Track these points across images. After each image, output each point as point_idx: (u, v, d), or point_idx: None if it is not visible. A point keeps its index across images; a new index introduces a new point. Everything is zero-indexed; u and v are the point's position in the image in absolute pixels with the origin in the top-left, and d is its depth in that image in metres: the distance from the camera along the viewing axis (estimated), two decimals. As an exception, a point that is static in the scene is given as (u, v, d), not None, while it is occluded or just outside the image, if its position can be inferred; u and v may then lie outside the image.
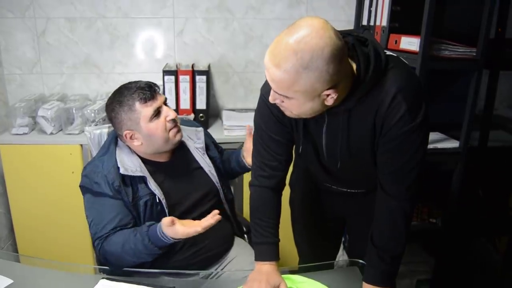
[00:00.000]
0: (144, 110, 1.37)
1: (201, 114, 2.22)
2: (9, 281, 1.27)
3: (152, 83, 1.42)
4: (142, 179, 1.38)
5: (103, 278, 1.25)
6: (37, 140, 2.11)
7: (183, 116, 2.06)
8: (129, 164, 1.39)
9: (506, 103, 2.14)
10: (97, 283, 1.23)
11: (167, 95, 2.18)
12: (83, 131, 2.12)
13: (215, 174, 1.55)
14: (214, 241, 1.47)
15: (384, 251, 1.15)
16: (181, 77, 2.18)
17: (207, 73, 2.22)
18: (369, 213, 1.22)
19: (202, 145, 1.57)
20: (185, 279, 1.36)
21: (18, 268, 1.44)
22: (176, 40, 2.41)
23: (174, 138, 1.43)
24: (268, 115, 1.21)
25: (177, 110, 2.21)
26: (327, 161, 1.24)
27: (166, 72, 2.18)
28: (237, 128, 2.17)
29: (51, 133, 2.13)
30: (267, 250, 1.24)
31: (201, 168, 1.54)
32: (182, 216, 1.38)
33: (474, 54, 1.73)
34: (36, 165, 1.96)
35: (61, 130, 2.18)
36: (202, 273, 1.41)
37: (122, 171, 1.35)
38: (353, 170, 1.27)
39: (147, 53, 2.42)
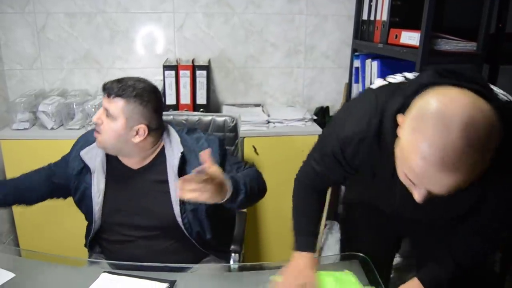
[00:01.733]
0: None
1: (201, 109, 2.22)
2: (11, 275, 1.27)
3: (118, 89, 1.29)
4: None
5: (104, 272, 1.26)
6: (38, 135, 2.11)
7: (198, 113, 1.88)
8: (93, 151, 1.40)
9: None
10: (98, 277, 1.23)
11: (167, 90, 2.18)
12: (83, 126, 2.13)
13: (176, 205, 1.37)
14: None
15: (462, 267, 1.14)
16: (181, 72, 2.18)
17: (207, 68, 2.22)
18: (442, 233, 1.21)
19: (176, 162, 1.36)
20: (186, 273, 1.36)
21: (20, 262, 1.45)
22: (176, 35, 2.40)
23: (96, 140, 1.37)
24: (334, 161, 1.11)
25: (177, 105, 2.21)
26: (397, 206, 1.14)
27: (166, 67, 2.18)
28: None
29: (52, 128, 2.13)
30: (306, 241, 1.26)
31: (168, 191, 1.38)
32: (112, 228, 1.43)
33: (475, 48, 1.73)
34: (37, 160, 1.94)
35: (61, 125, 2.18)
36: (204, 266, 1.42)
37: (82, 152, 1.40)
38: (430, 217, 1.18)
39: (147, 48, 2.42)
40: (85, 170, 1.41)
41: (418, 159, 0.79)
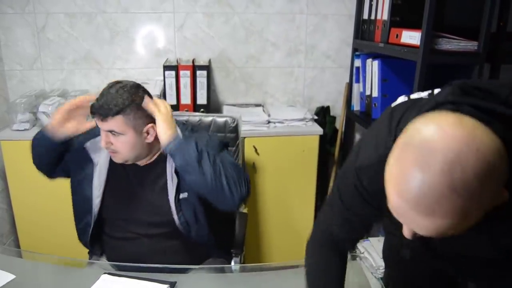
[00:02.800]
0: None
1: (202, 109, 2.22)
2: (12, 277, 1.27)
3: (109, 107, 1.25)
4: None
5: (104, 273, 1.26)
6: (38, 136, 2.10)
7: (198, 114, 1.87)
8: (98, 144, 1.38)
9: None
10: (98, 278, 1.23)
11: (167, 90, 2.18)
12: (84, 127, 2.12)
13: (173, 203, 1.37)
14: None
15: None
16: (181, 72, 2.17)
17: (207, 68, 2.21)
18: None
19: (173, 162, 1.34)
20: (187, 274, 1.36)
21: (20, 264, 1.44)
22: (176, 35, 2.40)
23: (112, 156, 1.37)
24: (356, 195, 0.94)
25: (177, 105, 2.20)
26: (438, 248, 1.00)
27: (166, 67, 2.18)
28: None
29: (52, 129, 2.12)
30: None
31: (165, 188, 1.38)
32: (114, 222, 1.42)
33: (476, 47, 1.72)
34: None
35: (62, 126, 2.17)
36: (204, 267, 1.41)
37: (87, 145, 1.40)
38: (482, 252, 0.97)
39: (147, 48, 2.42)
40: (88, 160, 1.41)
41: (394, 194, 0.69)
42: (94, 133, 1.40)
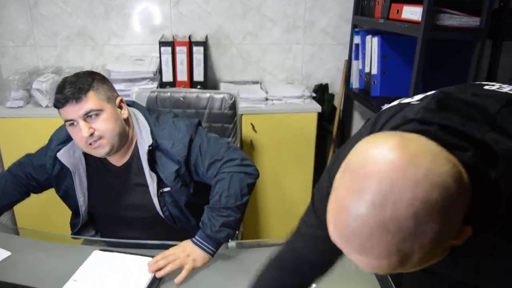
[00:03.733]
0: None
1: (198, 86, 2.19)
2: (7, 254, 1.27)
3: (78, 88, 1.20)
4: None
5: (96, 250, 1.26)
6: (33, 113, 2.08)
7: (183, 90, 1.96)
8: (70, 151, 1.34)
9: (508, 75, 2.10)
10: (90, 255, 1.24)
11: (163, 67, 2.15)
12: (79, 104, 2.09)
13: (155, 197, 1.34)
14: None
15: None
16: (177, 49, 2.14)
17: (204, 44, 2.17)
18: None
19: (145, 157, 1.31)
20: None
21: (16, 241, 1.45)
22: (172, 10, 2.35)
23: (93, 152, 1.28)
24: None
25: (174, 82, 2.17)
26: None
27: (162, 44, 2.14)
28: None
29: (47, 106, 2.09)
30: None
31: (146, 186, 1.34)
32: (101, 218, 1.43)
33: (478, 23, 1.69)
34: (33, 139, 1.92)
35: (56, 103, 2.14)
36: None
37: (59, 154, 1.33)
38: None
39: (143, 24, 2.37)
40: (64, 170, 1.36)
41: (330, 223, 0.60)
42: (60, 139, 1.36)
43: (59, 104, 1.21)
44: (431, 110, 0.64)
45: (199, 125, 1.40)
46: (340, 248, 0.60)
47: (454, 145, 0.58)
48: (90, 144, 1.24)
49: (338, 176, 0.60)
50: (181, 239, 1.26)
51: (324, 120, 2.46)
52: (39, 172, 1.41)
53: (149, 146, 1.30)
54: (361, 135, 0.76)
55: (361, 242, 0.55)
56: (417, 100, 0.74)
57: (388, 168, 0.54)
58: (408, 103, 0.76)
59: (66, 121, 1.24)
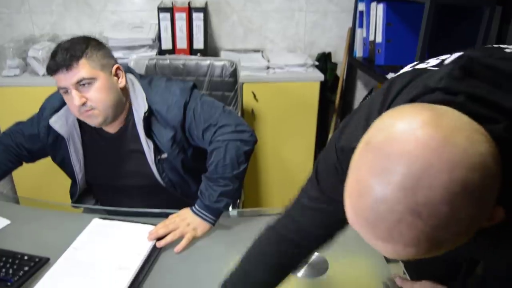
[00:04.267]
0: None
1: (198, 54, 2.14)
2: (7, 222, 1.26)
3: (70, 55, 1.14)
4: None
5: (95, 218, 1.25)
6: (29, 82, 2.04)
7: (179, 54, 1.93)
8: (63, 118, 1.30)
9: (516, 42, 2.05)
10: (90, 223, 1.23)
11: (162, 34, 2.09)
12: (76, 72, 2.05)
13: (153, 165, 1.32)
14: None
15: None
16: (177, 15, 2.08)
17: (204, 10, 2.11)
18: None
19: (141, 123, 1.27)
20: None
21: (16, 209, 1.43)
22: (171, -25, 2.27)
23: (87, 120, 1.24)
24: (332, 173, 0.77)
25: (173, 49, 2.12)
26: None
27: (161, 10, 2.08)
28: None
29: (44, 75, 2.05)
30: None
31: (143, 152, 1.32)
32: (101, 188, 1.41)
33: (488, -13, 1.63)
34: (30, 107, 1.89)
35: (53, 71, 2.10)
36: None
37: (51, 121, 1.29)
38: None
39: (140, -11, 2.30)
40: (59, 139, 1.32)
41: (349, 208, 0.55)
42: (53, 107, 1.32)
43: (50, 71, 1.17)
44: (456, 77, 0.58)
45: (193, 88, 1.35)
46: (361, 234, 0.55)
47: (484, 117, 0.53)
48: (83, 112, 1.21)
49: (358, 155, 0.54)
50: (183, 207, 1.25)
51: (326, 90, 2.41)
52: (30, 142, 1.37)
53: (144, 113, 1.26)
54: (373, 104, 0.71)
55: (388, 229, 0.50)
56: (433, 66, 0.68)
57: (420, 147, 0.48)
58: (425, 69, 0.69)
59: (59, 88, 1.20)
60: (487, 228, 0.54)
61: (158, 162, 1.32)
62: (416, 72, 0.70)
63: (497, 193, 0.51)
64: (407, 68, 0.75)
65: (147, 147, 1.30)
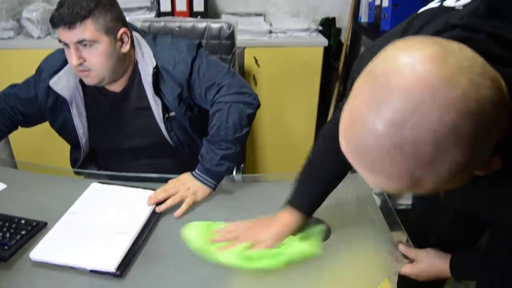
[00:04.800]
0: None
1: (199, 17, 2.06)
2: (3, 186, 1.24)
3: (75, 13, 1.09)
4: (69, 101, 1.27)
5: (94, 182, 1.22)
6: (24, 44, 1.98)
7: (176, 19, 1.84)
8: (64, 80, 1.24)
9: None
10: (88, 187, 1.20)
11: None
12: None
13: (161, 122, 1.29)
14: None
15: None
16: (176, -25, 2.00)
17: (204, -29, 2.03)
18: None
19: (150, 80, 1.24)
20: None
21: (13, 174, 1.41)
22: None
23: (83, 79, 1.21)
24: None
25: (172, 12, 2.05)
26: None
27: (159, -31, 2.00)
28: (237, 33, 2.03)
29: (39, 37, 1.99)
30: (307, 199, 1.00)
31: (150, 109, 1.28)
32: (104, 152, 1.38)
33: None
34: (25, 71, 1.85)
35: (48, 34, 2.04)
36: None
37: (52, 82, 1.23)
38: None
39: None
40: (59, 101, 1.27)
41: (340, 134, 0.55)
42: (52, 67, 1.26)
43: (52, 23, 1.12)
44: (480, 15, 0.54)
45: (200, 46, 1.31)
46: (349, 161, 0.55)
47: (502, 59, 0.50)
48: (79, 71, 1.17)
49: (358, 82, 0.53)
50: (190, 168, 1.22)
51: (330, 55, 2.35)
52: (26, 105, 1.32)
53: (153, 68, 1.22)
54: (390, 38, 0.66)
55: (372, 160, 0.50)
56: (463, 5, 0.64)
57: (417, 83, 0.46)
58: (453, 8, 0.65)
59: (59, 40, 1.15)
60: (484, 178, 0.54)
61: (166, 120, 1.29)
62: (442, 9, 0.66)
63: (494, 141, 0.49)
64: (433, 4, 0.71)
65: (155, 104, 1.27)
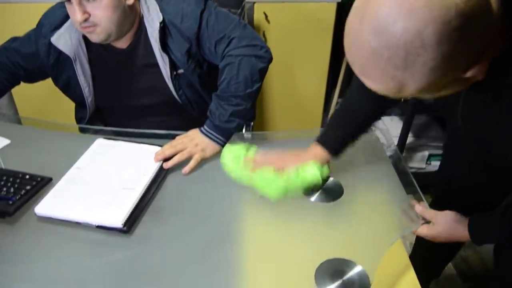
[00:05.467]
0: None
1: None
2: (7, 141, 1.22)
3: None
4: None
5: (99, 138, 1.20)
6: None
7: None
8: (66, 36, 1.19)
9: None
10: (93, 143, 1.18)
11: None
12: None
13: (169, 80, 1.25)
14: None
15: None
16: None
17: None
18: None
19: (157, 34, 1.18)
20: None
21: (18, 130, 1.39)
22: None
23: (88, 36, 1.15)
24: None
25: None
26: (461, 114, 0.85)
27: None
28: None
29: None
30: (336, 138, 1.01)
31: (157, 66, 1.23)
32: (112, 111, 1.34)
33: None
34: (25, 26, 1.80)
35: (50, -14, 1.96)
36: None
37: (53, 39, 1.18)
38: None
39: None
40: (62, 59, 1.22)
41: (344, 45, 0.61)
42: (53, 22, 1.20)
43: None
44: None
45: None
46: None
47: None
48: (84, 27, 1.11)
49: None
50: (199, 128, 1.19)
51: (343, 12, 2.25)
52: (28, 61, 1.27)
53: (160, 23, 1.16)
54: None
55: (360, 65, 0.59)
56: None
57: None
58: None
59: None
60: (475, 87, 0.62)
61: (174, 77, 1.24)
62: None
63: (473, 48, 0.55)
64: None
65: (162, 61, 1.21)
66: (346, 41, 0.59)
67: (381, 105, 1.00)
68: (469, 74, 0.57)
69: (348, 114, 1.02)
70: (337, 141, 1.00)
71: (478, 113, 0.77)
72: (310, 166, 0.97)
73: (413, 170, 2.13)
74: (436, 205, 0.99)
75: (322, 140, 1.00)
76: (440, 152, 2.14)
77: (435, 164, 2.16)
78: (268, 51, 1.21)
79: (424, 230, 0.93)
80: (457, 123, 0.84)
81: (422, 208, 0.96)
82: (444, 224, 0.91)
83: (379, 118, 1.04)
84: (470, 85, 0.62)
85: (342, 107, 1.05)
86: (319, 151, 1.00)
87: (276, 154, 1.02)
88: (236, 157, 1.01)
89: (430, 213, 0.94)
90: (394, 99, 0.94)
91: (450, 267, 1.80)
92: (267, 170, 0.97)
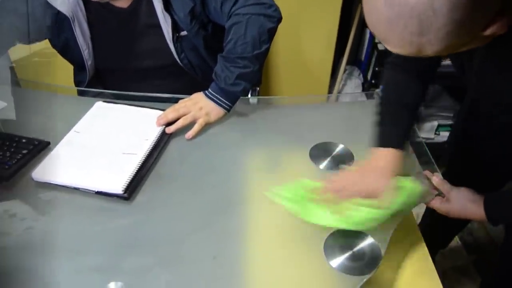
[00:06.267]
0: None
1: None
2: (3, 104, 1.16)
3: None
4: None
5: (98, 101, 1.15)
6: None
7: None
8: None
9: None
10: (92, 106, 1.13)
11: None
12: None
13: (171, 43, 1.19)
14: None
15: None
16: None
17: None
18: None
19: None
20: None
21: (16, 92, 1.32)
22: None
23: None
24: None
25: None
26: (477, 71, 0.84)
27: None
28: None
29: None
30: (396, 133, 0.93)
31: (159, 27, 1.18)
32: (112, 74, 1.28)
33: None
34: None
35: None
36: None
37: None
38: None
39: None
40: (59, 19, 1.15)
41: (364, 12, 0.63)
42: None
43: None
44: None
45: None
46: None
47: None
48: None
49: None
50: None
51: (353, -26, 2.16)
52: (23, 21, 1.20)
53: None
54: None
55: (379, 33, 0.61)
56: None
57: None
58: None
59: None
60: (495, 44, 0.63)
61: (176, 40, 1.18)
62: None
63: (491, 9, 0.56)
64: None
65: (165, 22, 1.15)
66: (365, 10, 0.62)
67: (425, 81, 0.94)
68: (488, 32, 0.58)
69: (398, 109, 0.94)
70: (404, 134, 0.93)
71: (497, 69, 0.76)
72: (408, 181, 0.86)
73: (418, 140, 2.09)
74: (449, 177, 0.95)
75: (396, 143, 0.91)
76: (449, 122, 2.09)
77: (444, 135, 2.12)
78: (277, 9, 1.14)
79: (437, 204, 0.89)
80: (474, 82, 0.82)
81: (439, 180, 0.91)
82: (458, 202, 0.87)
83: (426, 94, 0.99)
84: (492, 39, 0.62)
85: (386, 106, 0.96)
86: (390, 156, 0.90)
87: (340, 178, 0.88)
88: (296, 192, 0.86)
89: (446, 188, 0.89)
90: (434, 67, 0.96)
91: (455, 239, 1.78)
92: (355, 200, 0.84)
